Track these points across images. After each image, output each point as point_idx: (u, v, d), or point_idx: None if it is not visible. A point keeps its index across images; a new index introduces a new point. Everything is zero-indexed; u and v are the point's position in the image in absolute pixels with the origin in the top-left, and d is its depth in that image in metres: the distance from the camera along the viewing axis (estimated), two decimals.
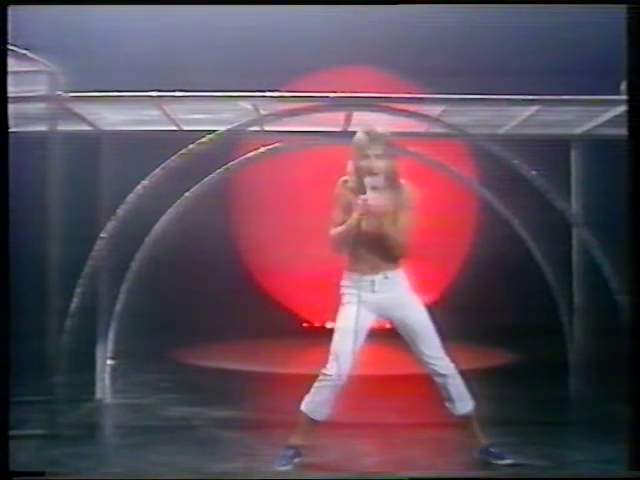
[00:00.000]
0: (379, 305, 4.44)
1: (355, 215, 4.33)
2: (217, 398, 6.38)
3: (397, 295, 4.45)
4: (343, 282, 4.50)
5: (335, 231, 4.40)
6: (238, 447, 4.93)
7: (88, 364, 6.19)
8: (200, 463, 4.55)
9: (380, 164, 4.34)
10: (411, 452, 4.82)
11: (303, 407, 4.44)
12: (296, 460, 4.43)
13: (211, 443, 5.01)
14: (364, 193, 4.30)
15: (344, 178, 4.47)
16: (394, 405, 6.09)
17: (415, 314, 4.45)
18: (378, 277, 4.42)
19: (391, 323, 4.53)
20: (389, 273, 4.43)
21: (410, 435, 5.19)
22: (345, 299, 4.47)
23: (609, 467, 4.37)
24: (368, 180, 4.31)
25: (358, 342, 4.40)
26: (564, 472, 4.43)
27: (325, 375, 4.38)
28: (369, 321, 4.46)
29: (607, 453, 4.58)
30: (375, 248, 4.39)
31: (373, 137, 4.39)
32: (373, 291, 4.42)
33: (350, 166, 4.44)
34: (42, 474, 4.02)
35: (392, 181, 4.41)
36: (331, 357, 4.38)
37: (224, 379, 7.44)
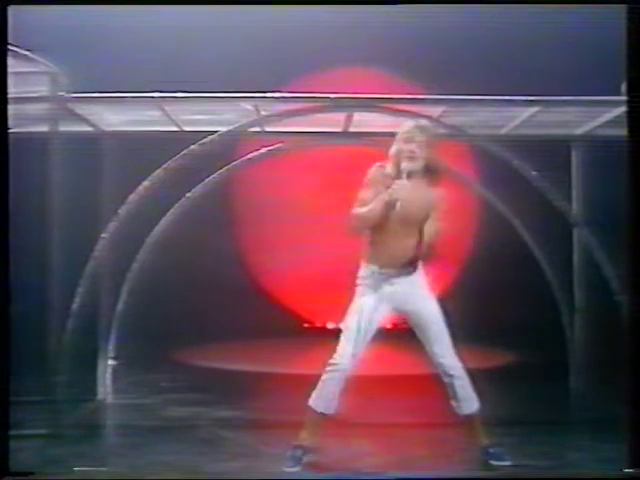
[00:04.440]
0: (394, 298, 4.42)
1: (385, 197, 4.29)
2: (218, 398, 6.38)
3: (413, 289, 4.44)
4: (360, 273, 4.49)
5: (360, 210, 4.34)
6: (239, 447, 4.93)
7: (89, 364, 6.19)
8: (201, 463, 4.56)
9: (422, 152, 4.33)
10: (412, 452, 4.82)
11: (311, 402, 4.43)
12: (304, 460, 4.42)
13: (212, 443, 5.01)
14: (400, 178, 4.29)
15: (380, 163, 4.44)
16: (396, 405, 6.10)
17: (429, 310, 4.45)
18: (396, 270, 4.42)
19: (403, 319, 4.54)
20: (408, 267, 4.43)
21: (411, 435, 5.19)
22: (360, 290, 4.46)
23: (609, 467, 4.37)
24: (406, 165, 4.29)
25: (369, 334, 4.41)
26: (564, 472, 4.43)
27: (332, 365, 4.37)
28: (383, 314, 4.46)
29: (607, 453, 4.58)
30: (398, 240, 4.36)
31: (420, 125, 4.42)
32: (390, 283, 4.41)
33: (391, 151, 4.40)
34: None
35: (432, 174, 4.39)
36: (340, 346, 4.38)
37: (225, 379, 7.45)
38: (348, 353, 4.36)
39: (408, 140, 4.35)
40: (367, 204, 4.34)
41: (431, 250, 4.39)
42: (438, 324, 4.45)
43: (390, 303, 4.45)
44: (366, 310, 4.40)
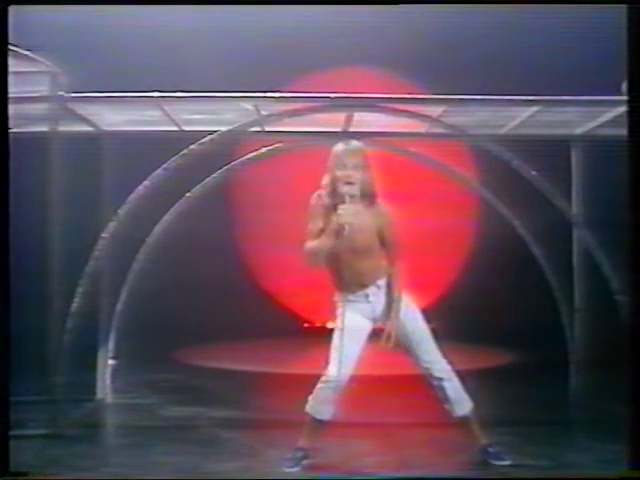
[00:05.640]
0: (375, 312, 4.44)
1: (334, 226, 4.23)
2: (217, 398, 6.39)
3: (391, 301, 4.42)
4: (335, 298, 4.49)
5: (311, 244, 4.30)
6: (238, 447, 4.93)
7: (89, 364, 6.19)
8: (200, 463, 4.55)
9: (357, 174, 4.28)
10: (411, 452, 4.82)
11: (308, 408, 4.44)
12: (304, 462, 4.42)
13: (211, 443, 5.01)
14: (342, 203, 4.23)
15: (319, 192, 4.38)
16: (395, 405, 6.10)
17: (410, 319, 4.44)
18: (370, 289, 4.42)
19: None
20: (380, 282, 4.43)
21: (411, 435, 5.19)
22: (339, 310, 4.45)
23: (609, 467, 4.37)
24: (346, 189, 4.25)
25: (357, 345, 4.40)
26: (564, 472, 4.43)
27: (326, 376, 4.37)
28: (366, 328, 4.44)
29: (607, 453, 4.59)
30: (359, 265, 4.35)
31: (351, 148, 4.34)
32: (368, 301, 4.43)
33: (326, 179, 4.36)
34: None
35: (369, 196, 4.34)
36: (330, 360, 4.37)
37: (224, 379, 7.45)
38: (339, 369, 4.32)
39: (341, 166, 4.29)
40: (315, 236, 4.30)
41: (394, 267, 4.40)
42: (421, 332, 4.44)
43: (370, 317, 4.44)
44: (347, 329, 4.35)
